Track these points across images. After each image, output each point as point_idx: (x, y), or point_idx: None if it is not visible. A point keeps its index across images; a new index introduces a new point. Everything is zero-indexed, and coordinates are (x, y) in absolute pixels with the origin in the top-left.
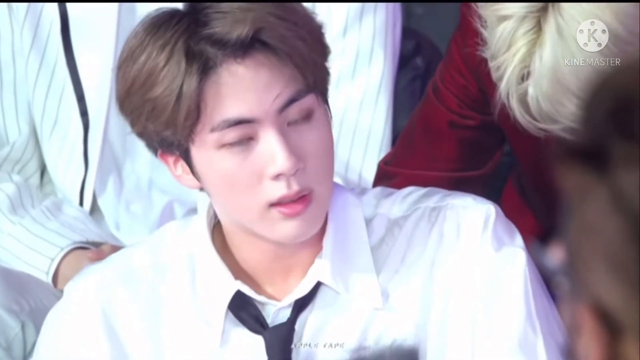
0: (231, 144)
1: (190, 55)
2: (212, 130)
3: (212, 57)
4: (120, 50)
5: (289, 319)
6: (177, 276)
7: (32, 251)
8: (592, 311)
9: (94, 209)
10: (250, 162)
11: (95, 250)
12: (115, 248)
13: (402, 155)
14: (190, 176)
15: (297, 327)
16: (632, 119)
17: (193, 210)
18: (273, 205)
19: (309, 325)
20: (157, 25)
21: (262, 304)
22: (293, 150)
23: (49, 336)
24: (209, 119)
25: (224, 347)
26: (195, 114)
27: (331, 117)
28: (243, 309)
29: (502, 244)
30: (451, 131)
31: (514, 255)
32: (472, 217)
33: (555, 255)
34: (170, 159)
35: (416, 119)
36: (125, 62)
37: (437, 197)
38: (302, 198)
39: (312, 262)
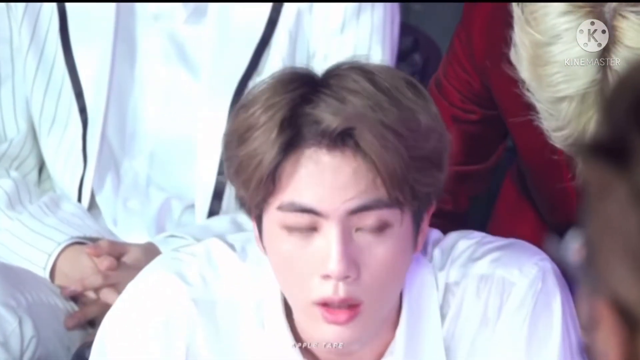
0: (294, 229)
1: (284, 127)
2: (279, 208)
3: (303, 136)
4: (119, 47)
5: None
6: (247, 321)
7: (30, 247)
8: (611, 306)
9: (92, 206)
10: (308, 253)
11: (93, 245)
12: (113, 243)
13: None
14: (260, 244)
15: None
16: None
17: (191, 207)
18: (317, 304)
19: None
20: (281, 83)
21: None
22: (350, 256)
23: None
24: (280, 195)
25: None
26: (268, 185)
27: (420, 242)
28: None
29: (538, 320)
30: (454, 125)
31: (549, 334)
32: (514, 296)
33: (574, 250)
34: (253, 218)
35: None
36: (242, 106)
37: (487, 262)
38: (348, 307)
39: (382, 350)
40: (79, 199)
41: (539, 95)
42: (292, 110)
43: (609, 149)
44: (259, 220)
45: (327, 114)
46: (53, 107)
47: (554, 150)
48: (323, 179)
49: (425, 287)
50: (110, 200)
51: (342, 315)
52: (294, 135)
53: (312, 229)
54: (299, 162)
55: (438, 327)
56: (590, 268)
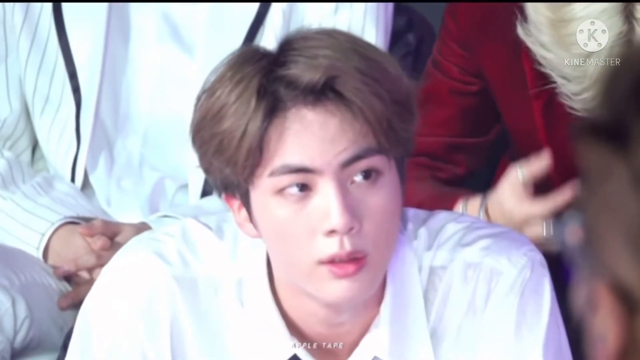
0: (288, 192)
1: (261, 94)
2: (271, 174)
3: (282, 99)
4: (112, 26)
5: None
6: (227, 299)
7: (23, 226)
8: (610, 289)
9: (86, 185)
10: (306, 214)
11: (86, 225)
12: (106, 223)
13: None
14: (251, 225)
15: None
16: None
17: (184, 187)
18: (323, 263)
19: None
20: (239, 61)
21: None
22: (350, 208)
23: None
24: (270, 162)
25: None
26: (257, 154)
27: (404, 187)
28: None
29: (527, 307)
30: (452, 99)
31: (538, 320)
32: (502, 284)
33: (571, 232)
34: (235, 204)
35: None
36: (203, 94)
37: (476, 250)
38: (354, 260)
39: (367, 325)
40: (73, 179)
41: (562, 59)
42: (265, 77)
43: (609, 130)
44: (246, 199)
45: (303, 72)
46: (46, 87)
47: (537, 130)
48: (311, 136)
49: (407, 263)
50: (104, 180)
51: (351, 266)
52: (273, 99)
53: (307, 189)
54: (284, 125)
55: (420, 302)
56: (588, 250)
